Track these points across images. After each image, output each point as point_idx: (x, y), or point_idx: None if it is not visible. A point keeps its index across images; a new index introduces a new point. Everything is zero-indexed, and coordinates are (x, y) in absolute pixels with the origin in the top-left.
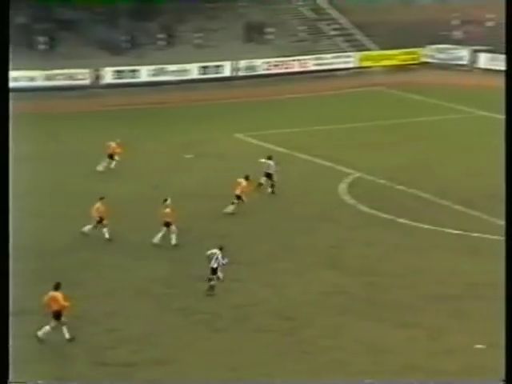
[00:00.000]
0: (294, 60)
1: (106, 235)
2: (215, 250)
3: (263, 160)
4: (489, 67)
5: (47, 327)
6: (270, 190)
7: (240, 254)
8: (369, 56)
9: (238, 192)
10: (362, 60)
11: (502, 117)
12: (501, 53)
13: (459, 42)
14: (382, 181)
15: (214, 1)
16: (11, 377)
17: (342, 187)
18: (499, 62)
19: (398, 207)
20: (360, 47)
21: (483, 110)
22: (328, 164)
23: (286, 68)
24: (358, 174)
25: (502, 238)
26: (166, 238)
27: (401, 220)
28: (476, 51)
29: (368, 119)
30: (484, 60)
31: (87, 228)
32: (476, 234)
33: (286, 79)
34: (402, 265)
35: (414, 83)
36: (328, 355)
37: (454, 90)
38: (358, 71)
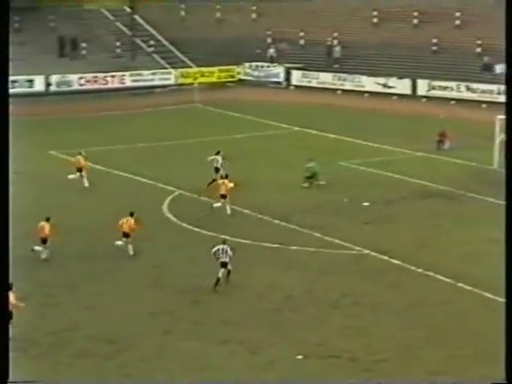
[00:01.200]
0: (110, 76)
1: None
2: (220, 246)
3: (211, 157)
4: (301, 84)
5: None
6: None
7: (58, 276)
8: (187, 73)
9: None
10: (180, 77)
11: (318, 132)
12: (312, 70)
13: (274, 60)
14: (204, 198)
15: (21, 13)
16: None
17: (164, 205)
18: (311, 79)
19: (219, 223)
20: (177, 64)
21: (299, 125)
22: (149, 182)
23: (103, 84)
24: (179, 192)
25: (319, 250)
26: None
27: (222, 236)
28: (289, 68)
29: (188, 136)
30: (296, 77)
31: None
32: (294, 247)
33: (102, 95)
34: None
35: (232, 100)
36: (151, 377)
37: (271, 107)
38: (177, 88)
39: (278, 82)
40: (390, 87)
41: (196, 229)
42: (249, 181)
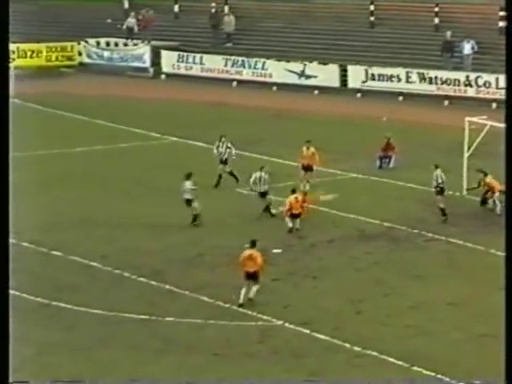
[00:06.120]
0: None
1: None
2: (257, 173)
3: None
4: (177, 72)
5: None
6: None
7: None
8: None
9: None
10: None
11: (204, 145)
12: (192, 51)
13: (134, 35)
14: None
15: None
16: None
17: None
18: (191, 65)
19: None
20: None
21: (174, 134)
22: None
23: None
24: None
25: (208, 322)
26: None
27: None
28: (158, 48)
29: None
30: (169, 61)
31: None
32: (170, 319)
33: None
34: None
35: (68, 95)
36: None
37: (132, 106)
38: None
39: (142, 69)
40: (308, 77)
41: None
42: (97, 217)
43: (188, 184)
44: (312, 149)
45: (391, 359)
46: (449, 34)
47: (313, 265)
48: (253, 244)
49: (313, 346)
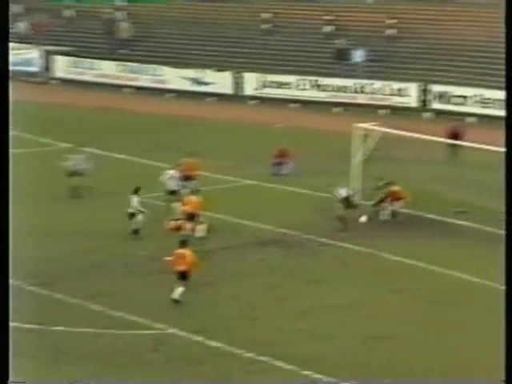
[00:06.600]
0: None
1: None
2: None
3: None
4: (69, 77)
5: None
6: None
7: None
8: None
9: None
10: None
11: (98, 151)
12: (86, 56)
13: (25, 38)
14: None
15: None
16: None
17: None
18: (85, 70)
19: None
20: None
21: (65, 140)
22: None
23: None
24: None
25: (98, 331)
26: None
27: None
28: (51, 53)
29: None
30: (62, 66)
31: None
32: (59, 328)
33: None
34: None
35: None
36: None
37: (22, 110)
38: None
39: (33, 73)
40: (204, 84)
41: None
42: None
43: (135, 198)
44: (193, 160)
45: (283, 364)
46: (341, 42)
47: (208, 272)
48: (183, 243)
49: (207, 353)
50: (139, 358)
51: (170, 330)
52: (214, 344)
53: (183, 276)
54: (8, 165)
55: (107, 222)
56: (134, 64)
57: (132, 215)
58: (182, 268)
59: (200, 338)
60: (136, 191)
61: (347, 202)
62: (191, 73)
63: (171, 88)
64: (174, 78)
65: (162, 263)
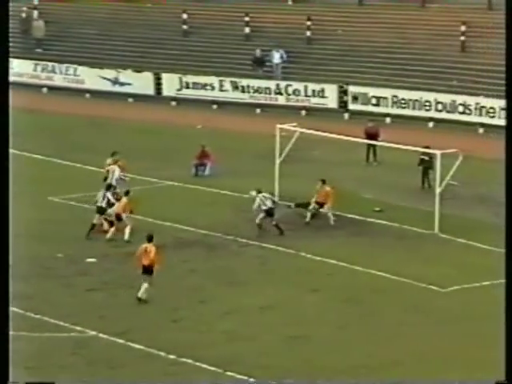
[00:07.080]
0: None
1: None
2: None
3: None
4: None
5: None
6: None
7: None
8: None
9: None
10: None
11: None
12: None
13: None
14: None
15: None
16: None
17: None
18: None
19: None
20: None
21: None
22: None
23: None
24: None
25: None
26: None
27: None
28: None
29: None
30: None
31: None
32: None
33: None
34: None
35: None
36: None
37: None
38: None
39: None
40: (122, 84)
41: None
42: None
43: (109, 194)
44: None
45: (205, 365)
46: (258, 51)
47: (128, 274)
48: (149, 239)
49: (128, 355)
50: (58, 361)
51: (91, 333)
52: (136, 346)
53: (147, 271)
54: (8, 165)
55: (22, 222)
56: (49, 63)
57: (101, 210)
58: (145, 262)
59: (121, 341)
60: (108, 187)
61: (269, 211)
62: (109, 73)
63: (91, 88)
64: (93, 78)
65: (80, 265)
